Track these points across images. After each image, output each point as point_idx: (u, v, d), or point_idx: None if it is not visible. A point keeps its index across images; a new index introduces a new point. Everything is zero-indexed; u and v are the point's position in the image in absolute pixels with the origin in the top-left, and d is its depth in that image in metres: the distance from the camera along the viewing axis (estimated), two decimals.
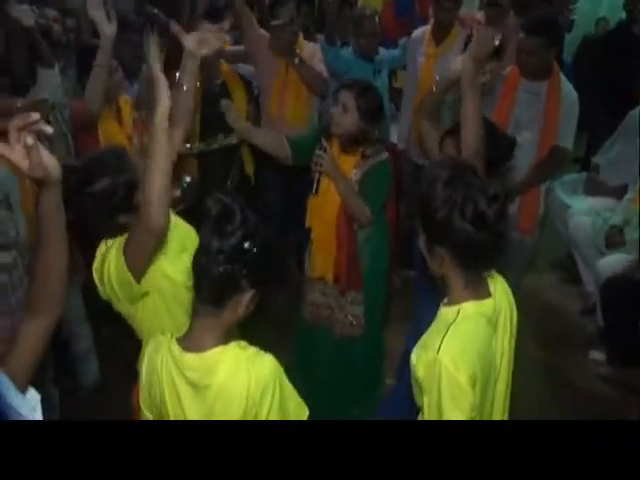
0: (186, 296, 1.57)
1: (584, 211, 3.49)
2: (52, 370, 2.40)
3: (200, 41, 1.83)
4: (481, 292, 1.45)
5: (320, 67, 3.25)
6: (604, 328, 3.17)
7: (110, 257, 1.63)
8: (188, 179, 2.58)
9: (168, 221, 1.55)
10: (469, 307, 1.41)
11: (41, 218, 1.21)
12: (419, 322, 2.01)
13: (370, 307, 2.61)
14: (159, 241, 1.58)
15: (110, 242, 1.69)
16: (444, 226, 1.35)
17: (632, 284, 2.96)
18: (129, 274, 1.60)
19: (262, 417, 1.32)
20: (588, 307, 3.54)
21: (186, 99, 1.85)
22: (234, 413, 1.32)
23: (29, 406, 1.20)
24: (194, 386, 1.35)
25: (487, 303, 1.44)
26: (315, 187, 2.49)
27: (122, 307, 1.73)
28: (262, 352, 1.38)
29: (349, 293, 2.57)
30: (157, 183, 1.48)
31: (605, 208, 3.45)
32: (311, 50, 3.30)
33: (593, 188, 3.66)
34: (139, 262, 1.60)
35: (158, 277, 1.67)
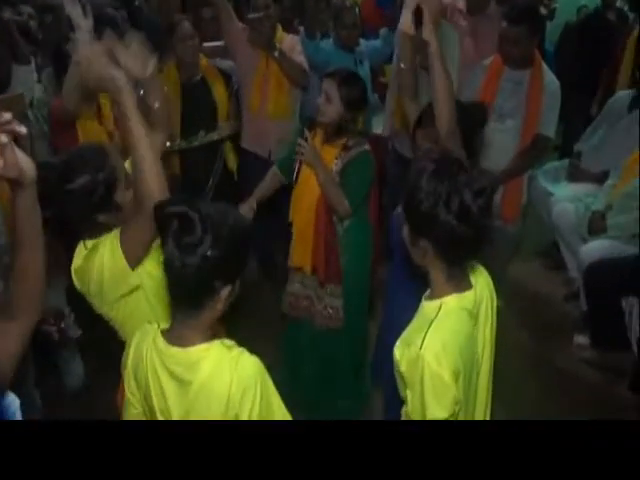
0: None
1: (567, 198, 3.51)
2: (33, 372, 2.37)
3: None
4: (463, 284, 1.45)
5: (300, 59, 3.23)
6: (587, 312, 3.21)
7: (102, 252, 1.60)
8: None
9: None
10: (451, 301, 1.41)
11: (16, 219, 1.18)
12: (392, 314, 2.02)
13: (351, 300, 2.60)
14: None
15: (89, 243, 1.67)
16: (428, 218, 1.35)
17: (614, 269, 3.00)
18: (125, 264, 1.58)
19: (243, 419, 1.31)
20: (572, 293, 3.57)
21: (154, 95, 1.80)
22: (214, 412, 1.32)
23: (9, 411, 1.21)
24: (177, 380, 1.35)
25: (468, 295, 1.45)
26: (295, 176, 2.48)
27: (102, 309, 1.72)
28: (247, 354, 1.36)
29: (328, 285, 2.56)
30: (147, 158, 1.47)
31: (587, 194, 3.47)
32: (290, 42, 3.28)
33: (575, 175, 3.68)
34: (138, 248, 1.59)
35: (140, 273, 1.65)
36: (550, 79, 2.92)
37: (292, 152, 2.51)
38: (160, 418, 1.40)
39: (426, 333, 1.35)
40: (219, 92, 3.22)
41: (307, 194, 2.49)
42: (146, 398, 1.41)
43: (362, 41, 3.61)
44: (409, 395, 1.38)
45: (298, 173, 2.48)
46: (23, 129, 1.13)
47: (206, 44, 3.38)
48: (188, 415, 1.35)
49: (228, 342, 1.38)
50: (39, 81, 3.14)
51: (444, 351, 1.33)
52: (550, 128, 2.94)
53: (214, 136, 3.20)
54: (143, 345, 1.41)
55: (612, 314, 3.00)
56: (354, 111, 2.43)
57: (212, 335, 1.38)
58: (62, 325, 1.91)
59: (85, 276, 1.66)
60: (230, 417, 1.31)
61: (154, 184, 1.48)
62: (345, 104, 2.40)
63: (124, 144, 1.89)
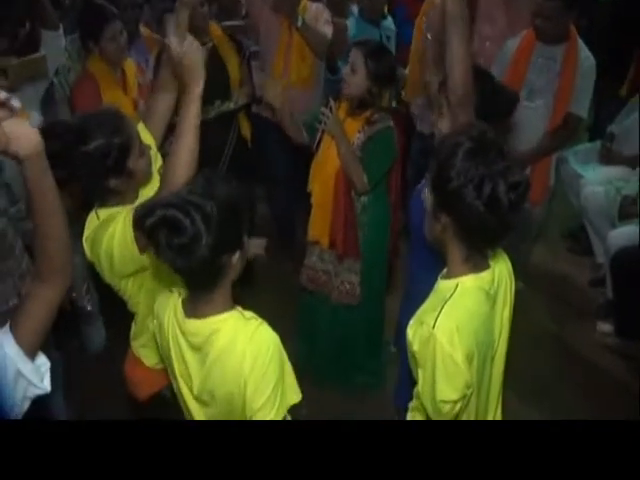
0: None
1: (597, 181, 3.41)
2: (52, 335, 2.41)
3: None
4: (481, 265, 1.40)
5: (325, 29, 3.14)
6: (613, 300, 3.13)
7: (113, 230, 1.58)
8: None
9: None
10: (468, 281, 1.36)
11: (27, 187, 1.17)
12: (410, 292, 1.98)
13: (368, 277, 2.57)
14: None
15: (102, 213, 1.66)
16: (455, 196, 1.28)
17: None
18: (135, 247, 1.56)
19: (249, 392, 1.30)
20: (598, 278, 3.50)
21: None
22: (229, 382, 1.32)
23: (38, 373, 1.22)
24: (195, 349, 1.37)
25: (486, 276, 1.40)
26: (316, 145, 2.44)
27: (112, 281, 1.72)
28: (264, 327, 1.34)
29: (346, 260, 2.53)
30: (184, 158, 1.51)
31: (618, 178, 3.36)
32: (315, 11, 3.20)
33: (607, 157, 3.56)
34: None
35: (150, 255, 1.62)
36: (585, 56, 2.80)
37: (316, 119, 2.46)
38: (180, 382, 1.42)
39: (440, 312, 1.31)
40: (231, 59, 3.15)
41: (327, 165, 2.45)
42: (167, 361, 1.44)
43: (389, 18, 3.49)
44: (420, 374, 1.36)
45: (319, 142, 2.43)
46: (17, 104, 1.11)
47: (226, 23, 3.33)
48: (205, 382, 1.36)
49: (248, 313, 1.37)
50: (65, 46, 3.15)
51: (458, 332, 1.29)
52: (583, 107, 2.84)
53: (230, 105, 3.12)
54: (164, 312, 1.42)
55: (639, 302, 2.92)
56: (380, 85, 2.36)
57: (231, 302, 1.37)
58: (73, 294, 1.90)
59: (95, 247, 1.64)
60: (242, 388, 1.31)
61: (186, 173, 1.49)
62: (371, 77, 2.33)
63: (147, 112, 1.88)
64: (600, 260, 3.45)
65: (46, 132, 1.25)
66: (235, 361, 1.31)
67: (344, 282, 2.57)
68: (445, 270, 1.43)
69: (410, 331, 1.37)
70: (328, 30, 3.15)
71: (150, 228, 1.22)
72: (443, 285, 1.40)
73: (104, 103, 2.66)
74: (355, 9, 3.67)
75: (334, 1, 3.48)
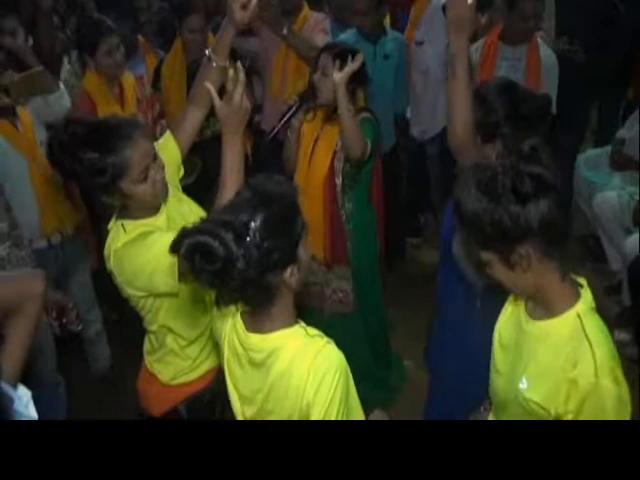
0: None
1: (609, 186, 3.36)
2: (54, 357, 2.36)
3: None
4: (575, 284, 1.28)
5: (319, 38, 3.03)
6: (632, 308, 3.05)
7: (150, 246, 1.53)
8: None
9: None
10: (583, 308, 1.23)
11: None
12: (444, 322, 1.91)
13: (361, 285, 2.56)
14: None
15: (129, 225, 1.60)
16: (511, 224, 1.17)
17: None
18: (174, 276, 1.51)
19: (313, 416, 1.23)
20: (613, 286, 3.41)
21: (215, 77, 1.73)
22: (291, 401, 1.25)
23: (22, 403, 1.19)
24: (256, 365, 1.29)
25: (586, 293, 1.27)
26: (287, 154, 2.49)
27: (131, 295, 1.66)
28: (331, 346, 1.26)
29: (336, 268, 2.51)
30: (234, 179, 1.53)
31: (631, 183, 3.31)
32: (315, 20, 3.15)
33: (618, 162, 3.51)
34: None
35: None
36: (547, 54, 2.91)
37: None
38: (235, 395, 1.36)
39: (594, 358, 1.16)
40: None
41: (313, 178, 2.41)
42: (225, 370, 1.37)
43: (392, 33, 3.28)
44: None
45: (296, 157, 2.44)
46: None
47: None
48: (266, 400, 1.29)
49: (312, 330, 1.29)
50: (69, 62, 3.12)
51: (617, 365, 1.18)
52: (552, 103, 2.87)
53: None
54: (221, 321, 1.37)
55: None
56: (352, 85, 2.30)
57: (294, 317, 1.30)
58: (64, 320, 1.89)
59: (123, 262, 1.58)
60: (304, 409, 1.23)
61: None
62: None
63: (177, 123, 1.83)
64: (615, 267, 3.38)
65: (63, 124, 1.44)
66: (298, 382, 1.23)
67: (336, 290, 2.55)
68: (536, 311, 1.30)
69: (538, 396, 1.23)
70: (322, 39, 3.02)
71: (184, 256, 1.16)
72: (557, 327, 1.24)
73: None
74: None
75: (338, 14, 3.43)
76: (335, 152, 2.40)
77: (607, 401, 1.16)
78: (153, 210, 1.65)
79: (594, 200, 3.36)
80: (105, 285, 1.83)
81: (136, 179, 1.53)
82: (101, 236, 2.14)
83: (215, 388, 1.83)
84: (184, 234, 1.17)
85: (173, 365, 1.81)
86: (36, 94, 2.37)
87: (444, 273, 1.96)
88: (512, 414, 1.33)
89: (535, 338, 1.27)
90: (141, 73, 3.13)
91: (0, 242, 2.06)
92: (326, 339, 1.27)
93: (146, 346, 1.85)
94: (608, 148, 3.70)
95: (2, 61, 2.31)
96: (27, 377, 1.31)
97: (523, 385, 1.25)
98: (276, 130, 2.45)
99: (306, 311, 2.58)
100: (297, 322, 1.30)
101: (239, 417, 1.37)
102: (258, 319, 1.28)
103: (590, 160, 3.61)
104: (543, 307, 1.27)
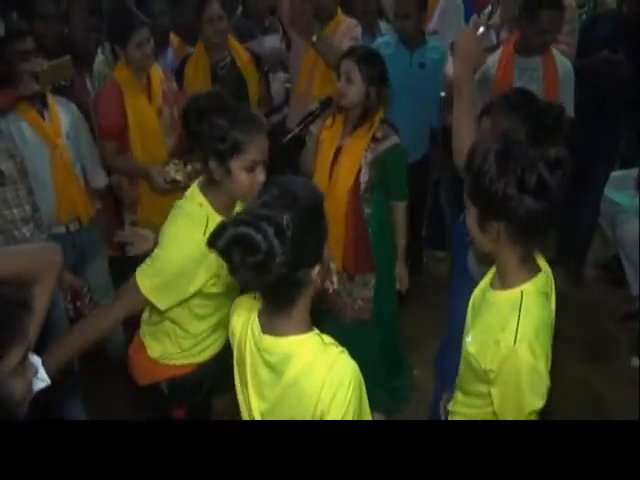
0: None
1: (634, 209, 3.28)
2: None
3: None
4: (534, 267, 1.40)
5: (347, 45, 2.95)
6: None
7: (187, 249, 1.64)
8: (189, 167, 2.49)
9: None
10: (529, 287, 1.35)
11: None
12: (453, 330, 1.92)
13: (380, 287, 2.54)
14: None
15: (197, 195, 1.73)
16: (501, 199, 1.27)
17: None
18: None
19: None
20: (632, 311, 3.34)
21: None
22: (305, 407, 1.23)
23: (42, 370, 1.22)
24: (270, 367, 1.28)
25: (542, 278, 1.39)
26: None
27: None
28: (345, 356, 1.25)
29: (359, 276, 2.49)
30: None
31: None
32: (347, 26, 3.14)
33: None
34: None
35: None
36: (562, 61, 2.92)
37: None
38: (249, 393, 1.35)
39: (517, 326, 1.29)
40: (250, 74, 3.11)
41: (335, 190, 2.38)
42: (238, 368, 1.37)
43: (433, 43, 3.16)
44: (497, 391, 1.35)
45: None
46: None
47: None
48: (278, 404, 1.28)
49: (327, 338, 1.28)
50: (102, 53, 3.17)
51: (537, 341, 1.29)
52: (571, 109, 2.88)
53: None
54: (237, 319, 1.37)
55: None
56: (377, 88, 2.31)
57: (309, 323, 1.28)
58: (78, 304, 1.92)
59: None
60: (317, 416, 1.22)
61: None
62: (367, 81, 2.30)
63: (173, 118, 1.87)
64: (635, 292, 3.30)
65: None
66: (313, 389, 1.21)
67: (357, 299, 2.52)
68: (495, 281, 1.43)
69: (474, 349, 1.38)
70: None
71: (223, 248, 1.14)
72: (503, 297, 1.38)
73: (127, 109, 2.68)
74: None
75: (364, 20, 3.43)
76: (361, 168, 2.36)
77: (522, 368, 1.28)
78: (227, 209, 1.72)
79: (617, 223, 3.30)
80: (120, 272, 1.86)
81: (244, 165, 1.64)
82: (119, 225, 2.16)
83: (200, 374, 1.87)
84: (224, 226, 1.15)
85: (163, 346, 1.84)
86: (59, 82, 2.44)
87: (456, 282, 1.97)
88: (466, 372, 1.47)
89: (487, 303, 1.43)
90: (170, 67, 3.18)
91: (25, 224, 2.10)
92: (340, 348, 1.26)
93: (144, 315, 1.87)
94: (634, 170, 3.63)
95: (33, 48, 2.35)
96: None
97: (469, 339, 1.42)
98: (292, 134, 2.45)
99: (322, 316, 2.60)
100: (312, 329, 1.29)
101: (254, 413, 1.34)
102: (275, 320, 1.26)
103: (615, 181, 3.54)
104: (500, 279, 1.42)
